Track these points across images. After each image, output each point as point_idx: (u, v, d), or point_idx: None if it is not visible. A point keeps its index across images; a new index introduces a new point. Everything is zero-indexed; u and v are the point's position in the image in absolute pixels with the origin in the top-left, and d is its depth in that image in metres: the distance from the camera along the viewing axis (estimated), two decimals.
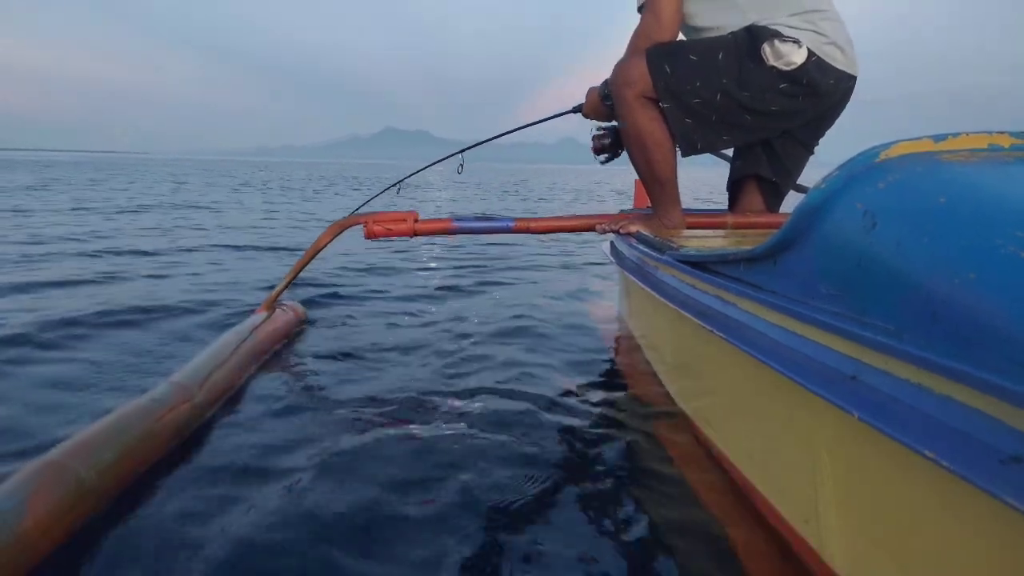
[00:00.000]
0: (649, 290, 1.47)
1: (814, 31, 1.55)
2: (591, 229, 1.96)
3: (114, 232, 4.87)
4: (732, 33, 1.60)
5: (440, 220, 1.99)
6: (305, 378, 1.68)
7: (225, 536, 0.96)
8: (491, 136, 2.39)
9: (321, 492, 1.08)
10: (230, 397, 1.48)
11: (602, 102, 1.90)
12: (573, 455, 1.24)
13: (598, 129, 2.04)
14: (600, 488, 1.12)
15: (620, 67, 1.66)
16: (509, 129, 2.36)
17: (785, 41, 1.53)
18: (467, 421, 1.39)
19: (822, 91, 1.59)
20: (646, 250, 1.55)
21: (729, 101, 1.59)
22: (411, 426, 1.37)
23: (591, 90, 1.93)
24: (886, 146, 0.67)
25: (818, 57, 1.55)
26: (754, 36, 1.56)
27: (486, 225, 2.00)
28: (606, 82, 1.86)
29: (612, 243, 1.99)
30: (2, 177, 14.28)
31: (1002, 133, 0.67)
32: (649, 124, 1.65)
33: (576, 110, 2.05)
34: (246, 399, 1.49)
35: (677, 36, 1.66)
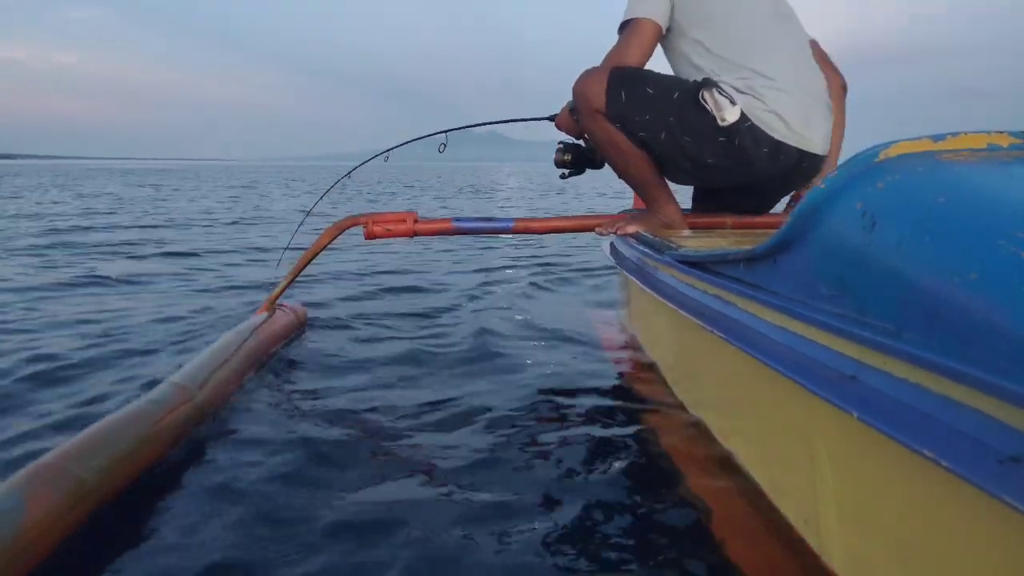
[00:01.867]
0: (649, 290, 1.47)
1: (753, 96, 1.53)
2: (591, 229, 1.97)
3: None
4: (693, 81, 1.61)
5: (440, 220, 1.99)
6: (305, 379, 1.68)
7: (225, 537, 0.96)
8: (471, 123, 2.45)
9: (320, 493, 1.08)
10: (230, 398, 1.48)
11: (569, 115, 1.94)
12: (572, 455, 1.24)
13: (560, 143, 2.08)
14: (599, 488, 1.12)
15: (582, 79, 1.67)
16: (485, 121, 2.42)
17: (723, 94, 1.52)
18: (467, 421, 1.39)
19: (753, 159, 1.56)
20: (646, 250, 1.55)
21: (672, 141, 1.61)
22: (410, 426, 1.37)
23: (564, 106, 1.97)
24: (885, 146, 0.67)
25: (751, 123, 1.53)
26: (698, 85, 1.56)
27: (486, 225, 2.00)
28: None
29: (612, 244, 1.99)
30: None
31: (1001, 133, 0.67)
32: (613, 134, 1.67)
33: (551, 119, 2.09)
34: (246, 400, 1.49)
35: (645, 65, 1.67)
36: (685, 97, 1.58)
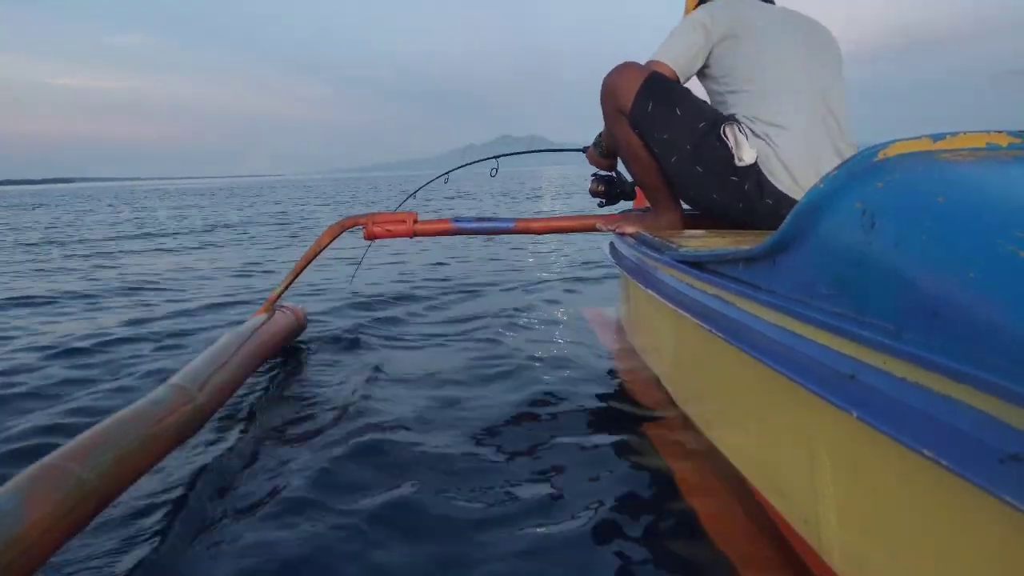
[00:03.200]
0: (648, 290, 1.47)
1: (766, 142, 1.53)
2: (591, 229, 1.97)
3: None
4: (720, 113, 1.62)
5: (440, 221, 1.99)
6: (305, 380, 1.68)
7: (224, 537, 0.96)
8: (518, 151, 2.65)
9: (319, 493, 1.08)
10: (230, 399, 1.48)
11: (596, 152, 2.03)
12: (571, 455, 1.24)
13: (593, 175, 2.16)
14: (598, 489, 1.12)
15: (616, 72, 1.66)
16: (530, 150, 2.65)
17: (744, 132, 1.53)
18: (466, 421, 1.39)
19: (755, 207, 1.56)
20: (645, 250, 1.55)
21: (681, 168, 1.61)
22: (409, 427, 1.37)
23: (594, 140, 2.04)
24: (884, 146, 0.67)
25: (759, 170, 1.53)
26: (720, 120, 1.57)
27: (486, 226, 2.00)
28: (600, 133, 1.97)
29: (612, 243, 1.99)
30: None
31: (1000, 132, 0.67)
32: (630, 135, 1.66)
33: (583, 150, 2.18)
34: (246, 401, 1.49)
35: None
36: (709, 128, 1.58)
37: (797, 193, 1.53)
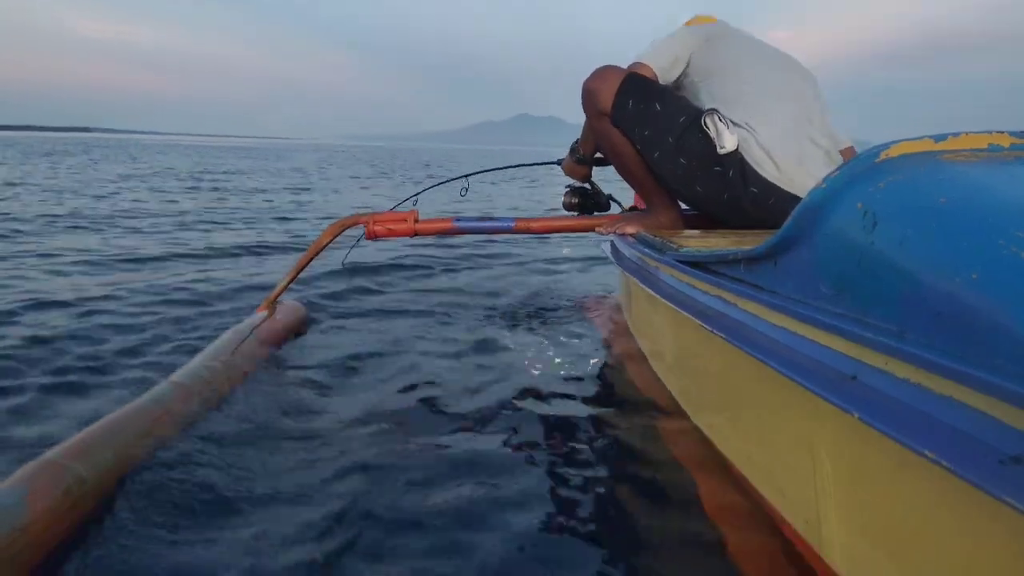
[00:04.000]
0: (649, 290, 1.47)
1: (747, 130, 1.55)
2: (591, 229, 1.97)
3: None
4: (698, 107, 1.65)
5: (440, 220, 1.99)
6: (305, 378, 1.68)
7: (224, 535, 0.96)
8: (490, 168, 2.67)
9: (319, 492, 1.08)
10: (230, 396, 1.48)
11: (571, 157, 2.05)
12: (571, 455, 1.24)
13: (567, 187, 2.18)
14: (599, 488, 1.12)
15: (595, 76, 1.69)
16: (502, 166, 2.67)
17: (724, 121, 1.55)
18: (465, 421, 1.39)
19: (740, 197, 1.56)
20: (646, 250, 1.55)
21: (664, 163, 1.63)
22: (408, 427, 1.37)
23: (569, 151, 2.08)
24: (886, 146, 0.67)
25: (743, 158, 1.54)
26: (705, 111, 1.59)
27: (487, 225, 2.00)
28: (576, 140, 2.01)
29: (612, 243, 2.00)
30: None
31: (1002, 133, 0.67)
32: (615, 136, 1.69)
33: (557, 162, 2.21)
34: (246, 399, 1.49)
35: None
36: (689, 121, 1.60)
37: (782, 182, 1.55)
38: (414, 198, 2.33)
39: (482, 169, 2.61)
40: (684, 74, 1.74)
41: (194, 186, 8.69)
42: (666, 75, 1.72)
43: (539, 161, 2.61)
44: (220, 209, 5.99)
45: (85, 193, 7.01)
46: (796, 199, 1.55)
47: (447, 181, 2.42)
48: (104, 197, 6.67)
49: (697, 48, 1.72)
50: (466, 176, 2.34)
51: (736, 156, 1.54)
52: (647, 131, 1.62)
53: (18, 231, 4.14)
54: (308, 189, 9.02)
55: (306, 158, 23.55)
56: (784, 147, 1.55)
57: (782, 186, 1.54)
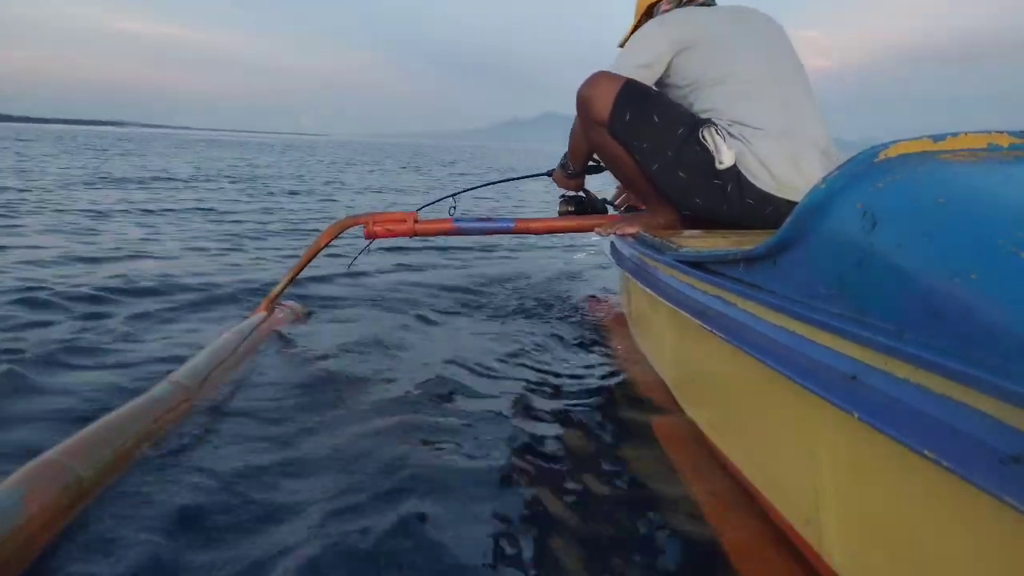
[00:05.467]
0: (649, 290, 1.47)
1: (742, 142, 1.54)
2: (591, 230, 1.97)
3: None
4: (696, 118, 1.63)
5: (440, 220, 1.99)
6: (304, 378, 1.68)
7: (223, 534, 0.95)
8: (481, 184, 2.71)
9: (318, 491, 1.08)
10: (230, 396, 1.48)
11: (562, 171, 2.05)
12: (570, 455, 1.24)
13: (562, 195, 2.19)
14: (597, 488, 1.12)
15: (591, 83, 1.65)
16: (492, 181, 2.75)
17: (721, 134, 1.54)
18: (464, 419, 1.39)
19: (738, 209, 1.56)
20: (646, 250, 1.55)
21: (663, 174, 1.61)
22: (407, 427, 1.37)
23: (559, 162, 2.07)
24: (885, 146, 0.67)
25: (739, 171, 1.53)
26: (701, 123, 1.58)
27: (486, 226, 2.00)
28: (566, 155, 1.99)
29: (612, 243, 2.00)
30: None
31: (1001, 133, 0.68)
32: (611, 145, 1.68)
33: (548, 174, 2.21)
34: (246, 399, 1.49)
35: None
36: (688, 133, 1.58)
37: (779, 191, 1.54)
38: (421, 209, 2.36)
39: (470, 187, 2.63)
40: (669, 80, 1.69)
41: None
42: (648, 82, 1.68)
43: (529, 174, 2.61)
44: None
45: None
46: (793, 205, 1.56)
47: (438, 200, 2.40)
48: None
49: (678, 51, 1.65)
50: (453, 195, 2.32)
51: (733, 169, 1.53)
52: (645, 144, 1.60)
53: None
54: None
55: (336, 154, 24.74)
56: (780, 155, 1.54)
57: (779, 195, 1.54)
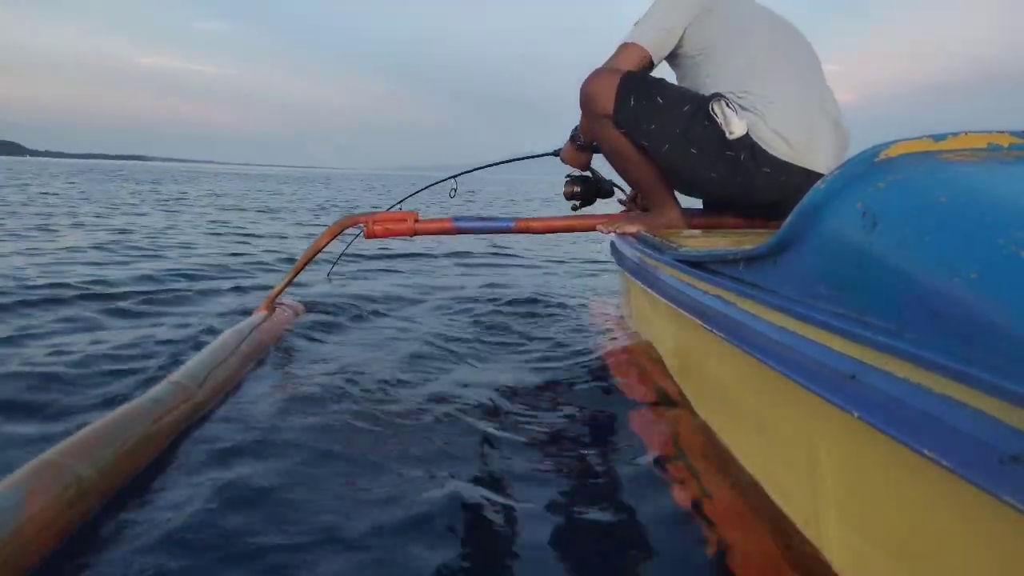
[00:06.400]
0: (649, 290, 1.47)
1: (754, 114, 1.54)
2: (592, 229, 1.97)
3: None
4: (702, 94, 1.63)
5: (440, 220, 1.99)
6: (304, 377, 1.68)
7: (224, 535, 0.95)
8: (481, 165, 2.56)
9: (321, 491, 1.08)
10: (230, 396, 1.48)
11: (573, 146, 1.99)
12: (569, 454, 1.24)
13: (568, 176, 2.13)
14: (596, 487, 1.12)
15: (591, 79, 1.68)
16: (496, 162, 2.55)
17: (731, 107, 1.54)
18: (463, 419, 1.39)
19: (753, 178, 1.57)
20: (646, 250, 1.55)
21: (675, 155, 1.62)
22: (408, 423, 1.37)
23: (569, 138, 2.03)
24: (886, 145, 0.67)
25: (753, 141, 1.54)
26: (710, 98, 1.58)
27: (486, 225, 2.00)
28: (576, 127, 1.94)
29: (612, 243, 2.00)
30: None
31: (1002, 133, 0.67)
32: (616, 139, 1.68)
33: (555, 153, 2.14)
34: (246, 399, 1.49)
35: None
36: (694, 110, 1.59)
37: (794, 158, 1.56)
38: (408, 198, 2.34)
39: (472, 168, 2.55)
40: (681, 50, 1.68)
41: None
42: (660, 51, 1.67)
43: (534, 154, 2.50)
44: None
45: None
46: (808, 173, 1.56)
47: (438, 183, 2.39)
48: None
49: (693, 19, 1.65)
50: (455, 176, 2.32)
51: (746, 140, 1.54)
52: (653, 125, 1.61)
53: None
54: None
55: (349, 184, 24.64)
56: (795, 123, 1.55)
57: (794, 162, 1.55)
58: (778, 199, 1.59)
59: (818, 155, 1.58)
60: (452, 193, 2.26)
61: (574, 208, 2.14)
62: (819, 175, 1.59)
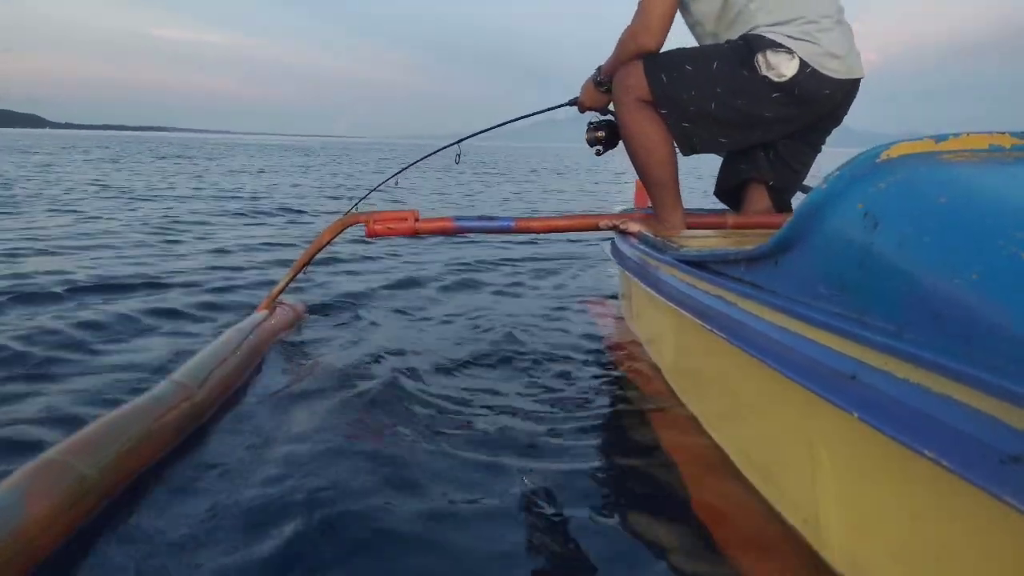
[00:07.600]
0: (650, 290, 1.47)
1: (810, 42, 1.55)
2: (593, 229, 1.97)
3: None
4: (728, 41, 1.64)
5: (441, 219, 1.99)
6: (305, 377, 1.68)
7: (225, 534, 0.96)
8: (486, 128, 2.42)
9: (321, 491, 1.08)
10: (230, 395, 1.48)
11: (596, 88, 1.92)
12: (569, 454, 1.24)
13: (590, 122, 2.05)
14: (597, 487, 1.12)
15: (618, 74, 1.71)
16: (503, 121, 2.40)
17: (778, 52, 1.55)
18: (462, 419, 1.39)
19: (816, 100, 1.60)
20: (647, 250, 1.55)
21: (724, 109, 1.62)
22: (406, 425, 1.37)
23: (586, 82, 1.94)
24: (887, 146, 0.67)
25: (812, 68, 1.56)
26: (749, 45, 1.58)
27: (487, 225, 2.00)
28: (599, 68, 1.89)
29: (613, 243, 2.00)
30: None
31: (1003, 134, 0.68)
32: (648, 126, 1.68)
33: (572, 103, 2.07)
34: (247, 398, 1.49)
35: (663, 40, 1.67)
36: (726, 62, 1.60)
37: (851, 73, 1.60)
38: (410, 167, 2.31)
39: (478, 131, 2.44)
40: None
41: None
42: None
43: (549, 107, 2.30)
44: None
45: None
46: (855, 81, 1.62)
47: (441, 149, 2.37)
48: None
49: None
50: (458, 142, 2.29)
51: (804, 70, 1.55)
52: (692, 91, 1.62)
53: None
54: None
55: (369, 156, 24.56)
56: (843, 40, 1.59)
57: (848, 77, 1.60)
58: (831, 114, 1.67)
59: (857, 62, 1.62)
60: (456, 159, 2.25)
61: (598, 153, 2.08)
62: (859, 81, 1.64)
